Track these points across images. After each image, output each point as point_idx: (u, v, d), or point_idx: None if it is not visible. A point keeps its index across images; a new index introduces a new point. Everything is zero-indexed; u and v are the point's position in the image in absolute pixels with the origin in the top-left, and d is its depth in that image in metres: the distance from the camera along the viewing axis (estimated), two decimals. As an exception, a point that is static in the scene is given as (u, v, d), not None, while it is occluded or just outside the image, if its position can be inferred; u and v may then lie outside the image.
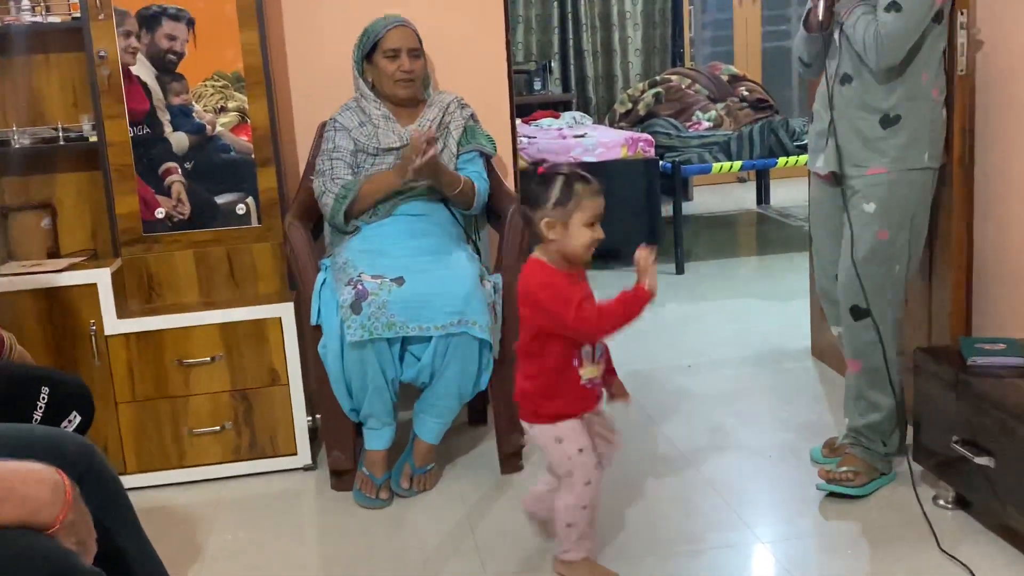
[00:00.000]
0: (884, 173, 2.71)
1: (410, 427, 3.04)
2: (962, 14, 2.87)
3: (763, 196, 7.52)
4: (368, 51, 3.20)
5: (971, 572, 2.38)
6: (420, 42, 3.22)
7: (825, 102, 2.78)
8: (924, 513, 2.64)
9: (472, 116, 3.32)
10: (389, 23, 3.17)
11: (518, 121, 4.38)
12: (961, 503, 2.70)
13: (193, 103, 3.14)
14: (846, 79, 2.73)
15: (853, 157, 2.75)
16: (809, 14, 2.79)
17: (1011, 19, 2.83)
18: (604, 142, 5.78)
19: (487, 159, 3.31)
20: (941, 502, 2.73)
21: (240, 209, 3.21)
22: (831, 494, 2.80)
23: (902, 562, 2.48)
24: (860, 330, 2.78)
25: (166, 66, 3.12)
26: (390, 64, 3.16)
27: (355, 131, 3.17)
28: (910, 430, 2.87)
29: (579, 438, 2.29)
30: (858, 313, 2.77)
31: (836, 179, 2.81)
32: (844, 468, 2.81)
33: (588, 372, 2.29)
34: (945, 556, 2.46)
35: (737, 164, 6.06)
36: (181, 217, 3.19)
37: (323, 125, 3.32)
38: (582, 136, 5.93)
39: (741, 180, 8.34)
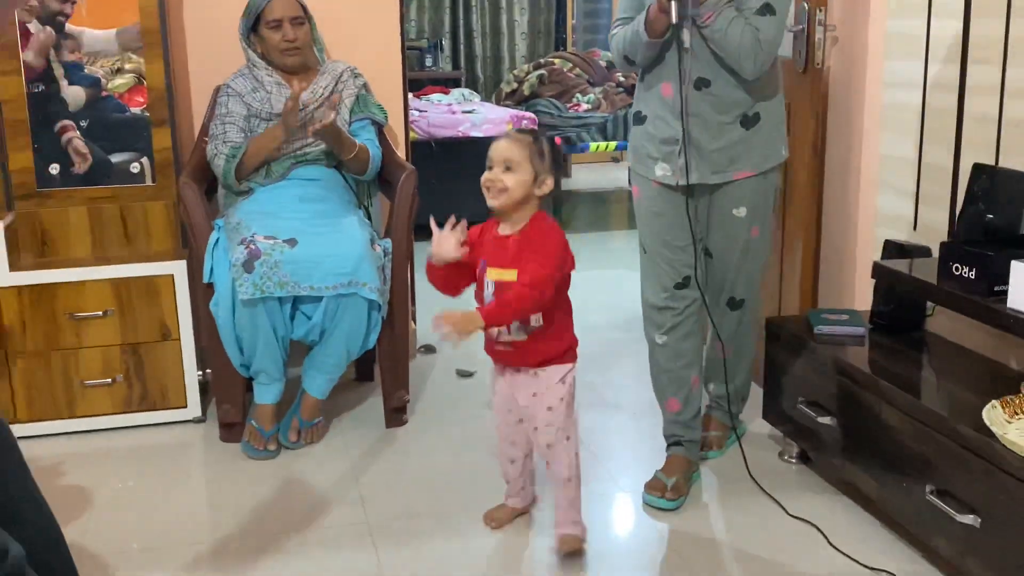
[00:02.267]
0: (751, 176, 2.53)
1: (299, 383, 2.99)
2: (820, 11, 2.93)
3: (635, 175, 7.59)
4: (253, 23, 3.09)
5: (812, 525, 2.46)
6: (304, 8, 3.10)
7: (673, 109, 2.47)
8: (748, 472, 2.71)
9: (365, 85, 3.25)
10: None
11: (410, 95, 4.32)
12: (804, 459, 2.78)
13: (85, 61, 2.99)
14: (702, 83, 2.44)
15: (715, 164, 2.50)
16: (650, 20, 2.39)
17: (860, 15, 2.90)
18: (491, 119, 5.76)
19: (379, 128, 3.25)
20: (786, 457, 2.81)
21: (135, 168, 3.09)
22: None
23: (746, 510, 2.54)
24: (735, 318, 2.73)
25: (58, 24, 2.96)
26: (274, 34, 3.06)
27: (248, 96, 3.08)
28: (759, 392, 2.94)
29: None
30: (734, 304, 2.71)
31: (684, 187, 2.53)
32: (705, 433, 2.84)
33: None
34: (789, 510, 2.53)
35: (612, 144, 6.12)
36: (78, 173, 3.04)
37: (218, 89, 3.21)
38: (471, 112, 5.90)
39: (615, 160, 8.41)
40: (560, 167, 2.24)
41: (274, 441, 2.89)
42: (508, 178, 2.14)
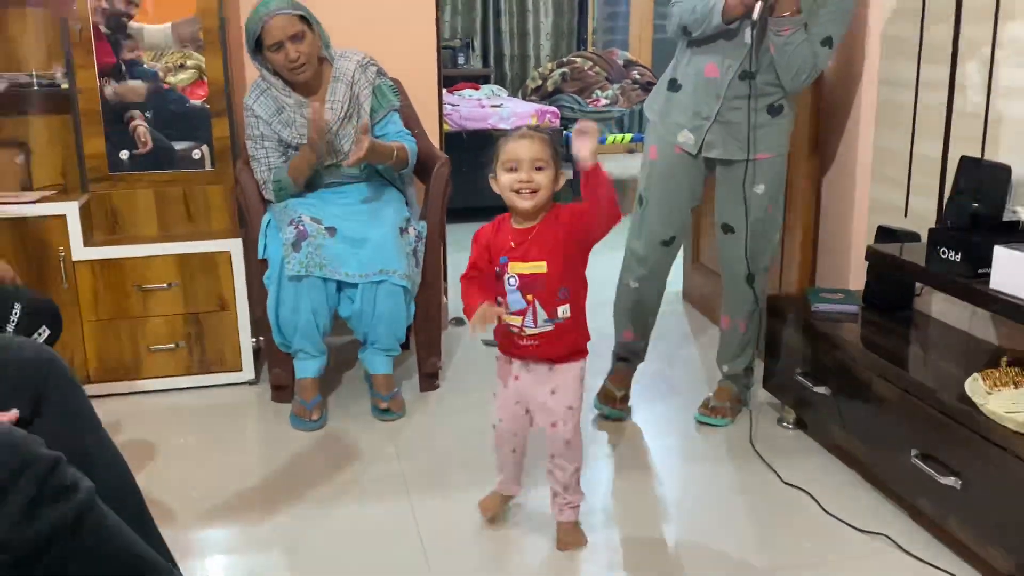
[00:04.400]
0: (771, 157, 2.62)
1: (344, 352, 3.00)
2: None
3: (649, 165, 7.53)
4: (255, 47, 2.85)
5: (805, 491, 2.45)
6: (304, 18, 2.81)
7: (713, 91, 2.56)
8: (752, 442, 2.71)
9: (378, 72, 3.02)
10: (262, 16, 2.77)
11: (444, 91, 4.31)
12: (800, 424, 2.78)
13: (143, 58, 3.00)
14: (747, 75, 2.51)
15: (742, 143, 2.58)
16: (729, 6, 2.42)
17: (858, 20, 2.86)
18: (517, 112, 5.74)
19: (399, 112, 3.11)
20: (784, 423, 2.81)
21: (196, 154, 3.10)
22: (699, 421, 2.84)
23: (744, 475, 2.54)
24: (751, 294, 2.75)
25: (121, 25, 2.97)
26: (277, 56, 2.80)
27: (275, 123, 2.90)
28: (760, 365, 2.94)
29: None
30: (751, 279, 2.73)
31: (705, 160, 2.65)
32: (718, 403, 2.84)
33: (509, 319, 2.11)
34: (785, 473, 2.53)
35: (628, 136, 6.08)
36: (142, 155, 3.06)
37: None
38: (498, 106, 5.88)
39: (630, 151, 8.37)
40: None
41: (318, 410, 2.83)
42: (541, 177, 2.01)
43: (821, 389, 2.52)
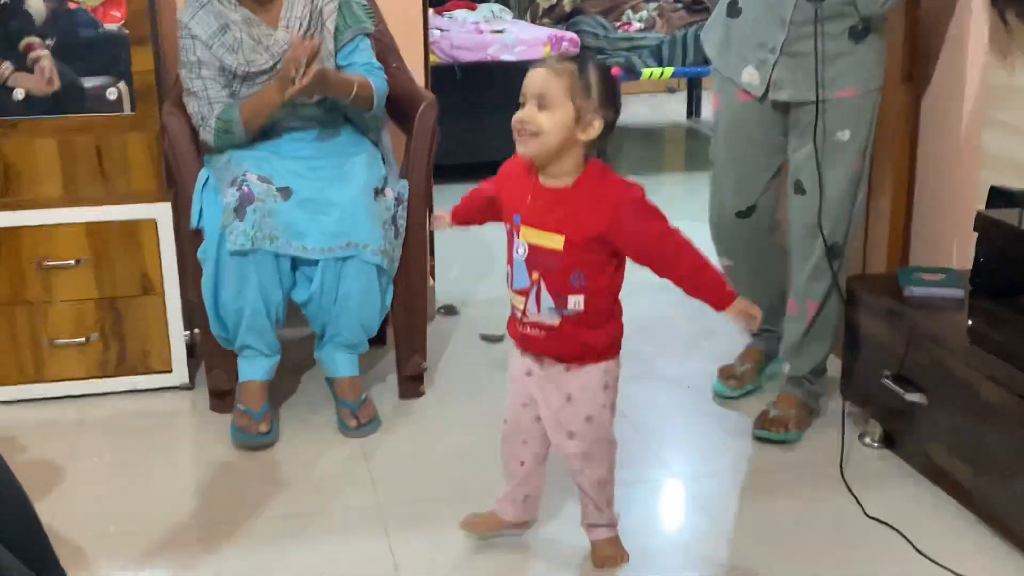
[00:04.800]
0: (855, 96, 2.64)
1: (299, 348, 3.00)
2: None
3: (694, 109, 7.55)
4: None
5: (897, 531, 2.46)
6: None
7: (777, 15, 2.60)
8: (842, 458, 2.72)
9: None
10: None
11: (430, 12, 4.29)
12: (887, 442, 2.78)
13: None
14: None
15: (817, 79, 2.61)
16: None
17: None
18: (524, 39, 5.72)
19: (372, 39, 3.09)
20: (867, 440, 2.81)
21: (111, 94, 3.09)
22: (759, 438, 2.84)
23: (821, 505, 2.55)
24: (830, 272, 2.76)
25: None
26: None
27: (216, 47, 2.90)
28: (836, 365, 2.94)
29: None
30: (833, 252, 2.74)
31: (773, 102, 2.71)
32: (782, 412, 2.84)
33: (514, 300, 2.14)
34: (869, 504, 2.53)
35: (668, 71, 6.06)
36: (43, 96, 3.05)
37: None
38: (500, 32, 5.86)
39: (671, 90, 8.35)
40: (616, 104, 2.04)
41: (267, 422, 2.84)
42: (543, 119, 1.97)
43: (915, 397, 2.52)
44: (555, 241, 2.02)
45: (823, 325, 2.84)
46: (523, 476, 2.28)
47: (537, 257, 2.04)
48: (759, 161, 2.74)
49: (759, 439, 2.83)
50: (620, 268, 2.11)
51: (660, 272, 2.07)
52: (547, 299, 2.05)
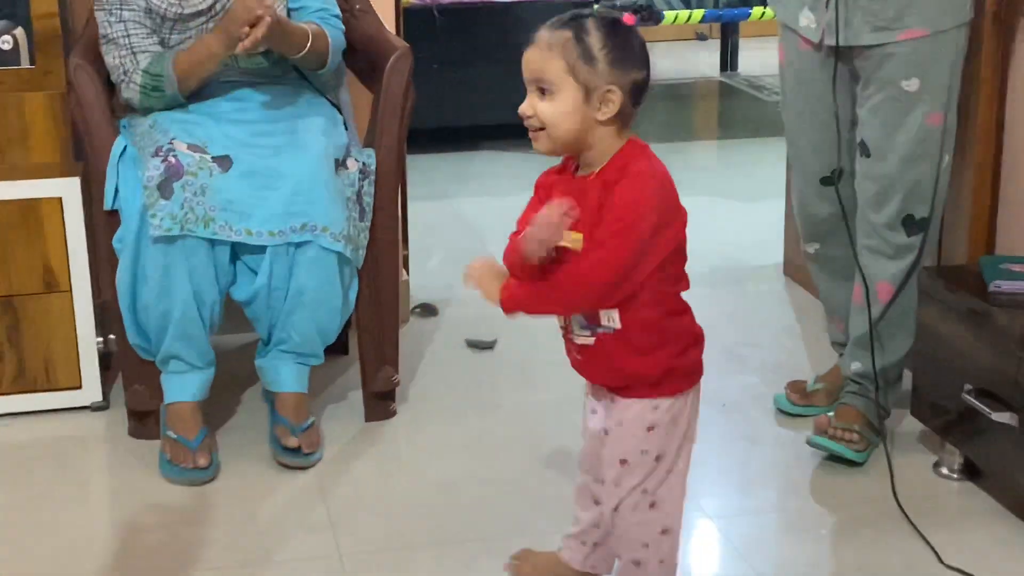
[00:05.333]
0: (925, 36, 2.67)
1: (239, 359, 3.01)
2: None
3: (729, 61, 7.55)
4: None
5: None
6: None
7: None
8: (895, 493, 2.72)
9: None
10: None
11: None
12: (970, 471, 2.78)
13: None
14: None
15: (875, 18, 2.67)
16: None
17: None
18: (518, -26, 5.72)
19: None
20: (944, 470, 2.81)
21: (5, 43, 3.11)
22: (825, 456, 2.85)
23: (885, 550, 2.54)
24: (910, 249, 2.80)
25: None
26: None
27: None
28: (907, 377, 2.95)
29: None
30: (912, 224, 2.79)
31: (832, 49, 2.75)
32: (843, 424, 2.85)
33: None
34: (947, 551, 2.54)
35: (698, 14, 6.07)
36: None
37: None
38: (490, -36, 5.86)
39: (701, 37, 8.36)
40: (637, 61, 2.00)
41: (206, 453, 2.84)
42: (545, 109, 1.98)
43: (1004, 417, 2.52)
44: (575, 241, 2.00)
45: (899, 317, 2.86)
46: (593, 518, 2.28)
47: (556, 259, 2.02)
48: (833, 117, 2.80)
49: (812, 445, 2.85)
50: (669, 274, 2.07)
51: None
52: (579, 316, 2.07)
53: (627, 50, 1.99)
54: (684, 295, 2.11)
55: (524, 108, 2.00)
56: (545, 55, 1.97)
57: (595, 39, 1.96)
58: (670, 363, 2.07)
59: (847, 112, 2.83)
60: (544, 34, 1.99)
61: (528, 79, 2.00)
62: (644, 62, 2.00)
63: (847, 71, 2.79)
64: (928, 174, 2.77)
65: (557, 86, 1.97)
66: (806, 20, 2.77)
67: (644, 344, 2.06)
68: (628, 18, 2.02)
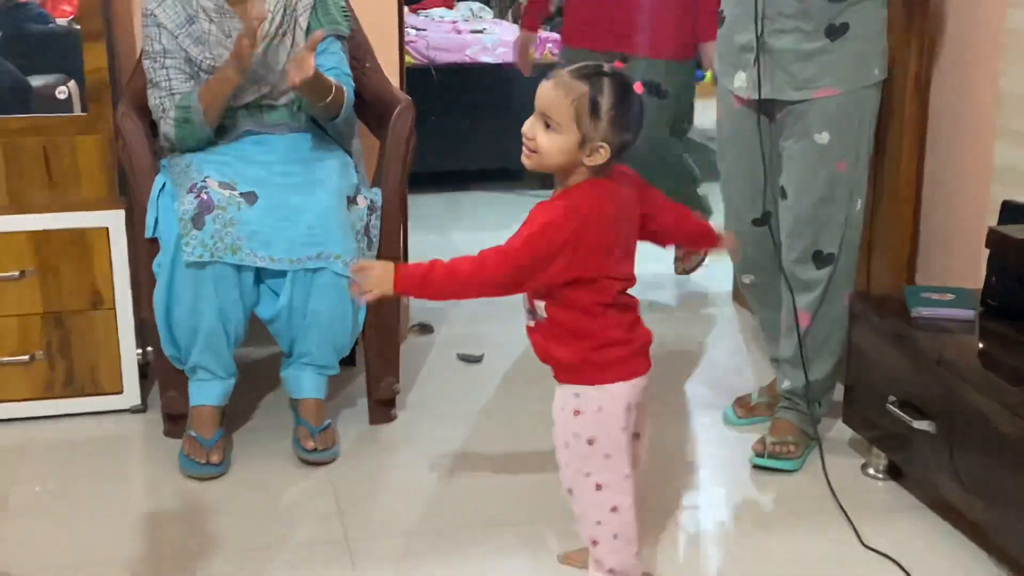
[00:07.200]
0: (835, 95, 2.68)
1: (262, 369, 2.99)
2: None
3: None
4: None
5: (898, 565, 2.44)
6: None
7: (749, 10, 2.66)
8: (832, 490, 2.71)
9: None
10: None
11: (406, 10, 4.30)
12: (894, 473, 2.78)
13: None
14: None
15: (794, 79, 2.68)
16: None
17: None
18: (506, 41, 5.73)
19: (343, 41, 3.12)
20: (871, 471, 2.81)
21: (60, 93, 3.09)
22: (756, 466, 2.84)
23: (819, 543, 2.54)
24: (821, 279, 2.79)
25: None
26: None
27: (182, 37, 2.94)
28: (839, 390, 2.94)
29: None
30: (820, 260, 2.78)
31: (760, 105, 2.76)
32: (778, 438, 2.84)
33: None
34: (870, 537, 2.53)
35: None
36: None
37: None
38: (480, 32, 5.87)
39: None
40: (631, 127, 2.02)
41: (219, 451, 2.82)
42: (544, 140, 2.01)
43: (923, 425, 2.52)
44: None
45: (818, 341, 2.85)
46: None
47: None
48: (762, 165, 2.79)
49: (756, 467, 2.84)
50: (584, 287, 2.06)
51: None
52: (524, 299, 2.14)
53: (628, 116, 2.02)
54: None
55: (527, 129, 2.04)
56: (559, 97, 2.00)
57: (606, 100, 1.99)
58: (585, 355, 2.11)
59: (774, 160, 2.81)
60: (565, 78, 2.02)
61: (538, 108, 2.03)
62: (637, 127, 2.04)
63: (773, 127, 2.79)
64: (836, 216, 2.76)
65: (561, 127, 2.00)
66: (739, 81, 2.77)
67: (563, 334, 2.12)
68: (638, 86, 2.04)
